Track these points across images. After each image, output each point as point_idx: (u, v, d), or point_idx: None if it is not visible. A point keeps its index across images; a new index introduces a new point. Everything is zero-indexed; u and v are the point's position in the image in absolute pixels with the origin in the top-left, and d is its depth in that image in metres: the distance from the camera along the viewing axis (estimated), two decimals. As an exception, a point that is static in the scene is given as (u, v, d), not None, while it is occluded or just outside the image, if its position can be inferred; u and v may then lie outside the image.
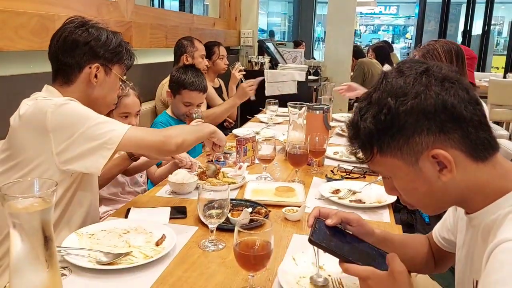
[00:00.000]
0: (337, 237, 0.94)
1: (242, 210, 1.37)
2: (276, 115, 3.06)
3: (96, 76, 1.36)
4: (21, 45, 1.81)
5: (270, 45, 4.40)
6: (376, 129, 0.78)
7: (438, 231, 1.09)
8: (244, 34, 4.53)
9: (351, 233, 0.99)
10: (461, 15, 9.06)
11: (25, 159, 1.23)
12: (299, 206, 1.49)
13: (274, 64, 4.17)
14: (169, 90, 2.38)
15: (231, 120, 3.40)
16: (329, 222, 0.97)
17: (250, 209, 1.34)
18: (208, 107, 3.26)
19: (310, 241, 0.89)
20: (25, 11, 1.83)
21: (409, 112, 0.76)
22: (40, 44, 1.90)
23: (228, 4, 4.41)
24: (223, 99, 3.40)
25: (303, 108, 2.06)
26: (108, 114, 1.71)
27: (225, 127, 3.37)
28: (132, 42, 2.61)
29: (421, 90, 0.76)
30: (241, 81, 3.43)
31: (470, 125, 0.76)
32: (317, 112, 2.04)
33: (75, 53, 1.33)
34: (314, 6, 10.86)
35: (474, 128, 0.76)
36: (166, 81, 2.61)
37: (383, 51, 5.41)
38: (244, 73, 3.40)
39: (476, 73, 7.34)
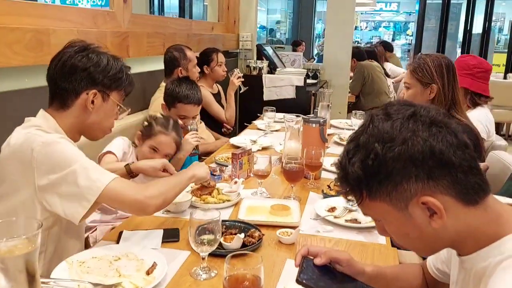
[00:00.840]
0: (326, 276, 0.93)
1: (235, 234, 1.37)
2: (274, 121, 3.05)
3: (92, 102, 1.34)
4: (16, 60, 1.80)
5: (268, 49, 4.38)
6: (364, 175, 0.78)
7: (433, 262, 1.08)
8: (243, 37, 4.51)
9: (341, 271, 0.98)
10: (461, 14, 9.00)
11: (10, 191, 1.23)
12: (294, 227, 1.49)
13: (272, 68, 4.15)
14: (163, 103, 2.38)
15: (229, 127, 3.40)
16: (317, 261, 0.96)
17: (242, 235, 1.34)
18: (205, 111, 3.27)
19: (297, 281, 0.89)
20: (19, 26, 1.82)
21: (396, 159, 0.75)
22: (35, 59, 1.89)
23: (227, 8, 4.39)
24: (222, 105, 3.40)
25: (299, 121, 2.06)
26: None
27: (224, 134, 3.37)
28: (129, 52, 2.60)
29: (408, 136, 0.75)
30: (239, 88, 3.43)
31: (459, 171, 0.75)
32: (313, 125, 2.03)
33: (72, 78, 1.32)
34: (314, 2, 10.81)
35: (464, 173, 0.75)
36: (158, 96, 2.60)
37: (372, 54, 5.35)
38: (243, 79, 3.40)
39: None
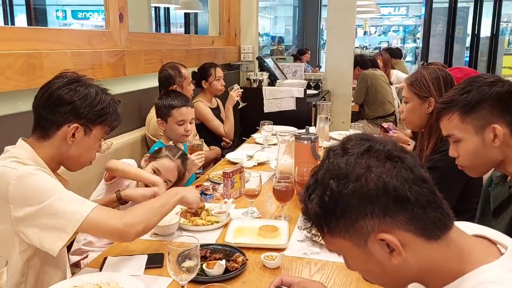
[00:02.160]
0: None
1: (219, 259, 1.37)
2: (273, 135, 3.04)
3: (73, 135, 1.34)
4: (8, 86, 1.83)
5: (269, 61, 4.39)
6: (322, 211, 0.77)
7: None
8: (244, 49, 4.53)
9: None
10: (469, 18, 8.91)
11: None
12: (281, 250, 1.48)
13: (273, 80, 4.16)
14: (158, 119, 2.39)
15: (228, 140, 3.40)
16: None
17: (223, 261, 1.33)
18: (204, 126, 3.28)
19: None
20: (11, 52, 1.84)
21: (351, 195, 0.74)
22: (28, 83, 1.92)
23: (227, 21, 4.42)
24: (221, 119, 3.41)
25: (290, 138, 2.05)
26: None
27: (223, 147, 3.37)
28: (126, 70, 2.63)
29: (361, 173, 0.74)
30: (238, 103, 3.44)
31: (416, 206, 0.74)
32: (305, 142, 2.02)
33: (56, 110, 1.32)
34: (319, 10, 10.81)
35: (422, 209, 0.74)
36: (153, 115, 2.62)
37: (375, 63, 5.32)
38: (241, 94, 3.40)
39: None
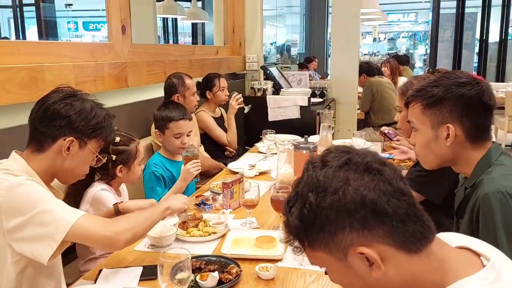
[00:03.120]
0: None
1: (213, 270, 1.36)
2: (280, 144, 3.04)
3: (68, 148, 1.36)
4: (9, 99, 1.85)
5: (273, 69, 4.40)
6: (302, 225, 0.76)
7: None
8: (249, 59, 4.55)
9: None
10: (477, 23, 8.86)
11: None
12: (276, 261, 1.48)
13: (278, 89, 4.16)
14: (156, 130, 2.41)
15: (232, 149, 3.41)
16: None
17: (216, 273, 1.33)
18: (208, 136, 3.30)
19: None
20: (11, 66, 1.87)
21: (329, 209, 0.73)
22: (30, 96, 1.94)
23: (232, 31, 4.45)
24: (225, 128, 3.42)
25: (290, 147, 2.05)
26: None
27: (227, 157, 3.38)
28: (128, 82, 2.65)
29: (339, 186, 0.74)
30: (243, 109, 3.47)
31: (395, 219, 0.73)
32: (304, 151, 2.02)
33: (52, 124, 1.34)
34: (326, 18, 10.83)
35: (401, 222, 0.73)
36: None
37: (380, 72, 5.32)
38: (241, 101, 3.42)
39: (494, 84, 7.19)
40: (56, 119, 1.34)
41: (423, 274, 0.75)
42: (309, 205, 0.75)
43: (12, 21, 8.37)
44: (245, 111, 3.58)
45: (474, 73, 9.10)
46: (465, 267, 0.76)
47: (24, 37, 8.06)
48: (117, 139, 1.84)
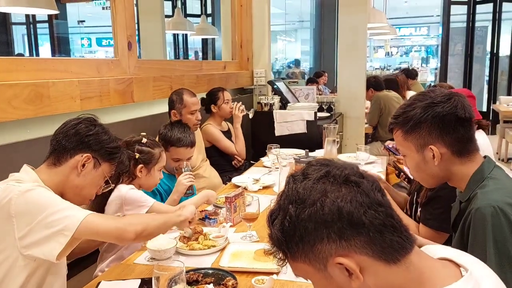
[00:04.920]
0: None
1: (210, 283, 1.37)
2: (282, 158, 3.05)
3: (84, 165, 1.44)
4: (15, 115, 1.90)
5: (280, 84, 4.42)
6: (283, 236, 0.78)
7: None
8: (257, 73, 4.59)
9: None
10: (487, 37, 8.82)
11: None
12: (274, 273, 1.48)
13: (285, 104, 4.19)
14: None
15: (240, 159, 3.42)
16: None
17: (211, 286, 1.33)
18: (215, 148, 3.32)
19: None
20: (17, 82, 1.92)
21: (307, 220, 0.75)
22: (35, 111, 1.99)
23: (240, 46, 4.50)
24: (233, 142, 3.44)
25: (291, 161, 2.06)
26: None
27: (234, 166, 3.40)
28: (133, 97, 2.69)
29: (317, 198, 0.75)
30: (247, 116, 3.52)
31: (371, 230, 0.74)
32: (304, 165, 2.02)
33: (74, 139, 1.44)
34: (335, 32, 10.87)
35: (378, 232, 0.74)
36: None
37: (391, 83, 5.33)
38: (243, 108, 3.46)
39: (505, 98, 7.13)
40: (78, 136, 1.45)
41: (402, 284, 0.76)
42: (289, 217, 0.76)
43: (26, 38, 8.58)
44: (250, 116, 3.62)
45: (486, 87, 9.04)
46: (444, 278, 0.76)
47: (37, 54, 8.24)
48: (144, 140, 1.98)
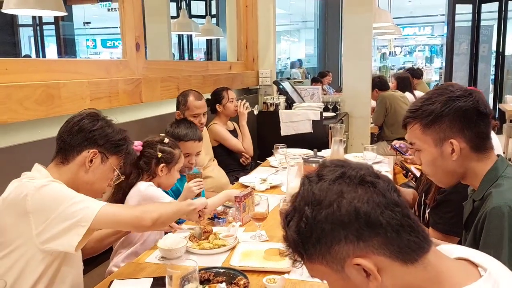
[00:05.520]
0: None
1: (221, 282, 1.38)
2: (290, 158, 3.05)
3: (91, 161, 1.46)
4: (26, 115, 1.92)
5: (286, 84, 4.44)
6: (299, 238, 0.78)
7: None
8: (262, 74, 4.60)
9: None
10: (493, 36, 8.79)
11: (6, 241, 1.31)
12: (285, 273, 1.49)
13: (290, 103, 4.20)
14: None
15: (248, 156, 3.44)
16: None
17: (223, 284, 1.35)
18: (222, 147, 3.33)
19: None
20: (29, 83, 1.94)
21: (324, 221, 0.75)
22: (46, 112, 2.00)
23: (245, 47, 4.51)
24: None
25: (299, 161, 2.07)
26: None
27: (242, 164, 3.41)
28: (142, 97, 2.71)
29: (334, 199, 0.76)
30: (253, 113, 3.53)
31: (389, 230, 0.74)
32: (313, 165, 2.04)
33: (78, 136, 1.46)
34: (340, 32, 10.87)
35: (396, 232, 0.75)
36: None
37: (403, 81, 5.37)
38: (247, 105, 3.48)
39: (509, 97, 7.10)
40: (82, 132, 1.46)
41: (420, 284, 0.76)
42: (306, 218, 0.77)
43: (32, 39, 8.64)
44: (255, 113, 3.65)
45: (491, 86, 9.01)
46: (462, 278, 0.76)
47: (44, 55, 8.29)
48: (166, 140, 2.06)
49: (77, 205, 1.30)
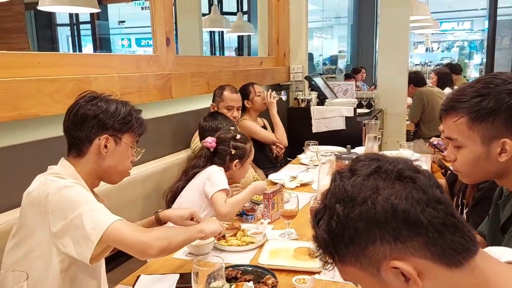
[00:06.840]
0: None
1: (249, 280, 1.34)
2: (322, 155, 2.98)
3: (106, 146, 1.41)
4: (57, 109, 1.92)
5: (318, 80, 4.34)
6: (330, 238, 0.72)
7: None
8: (294, 69, 4.52)
9: None
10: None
11: (28, 236, 1.30)
12: (315, 273, 1.43)
13: (322, 99, 4.10)
14: (202, 141, 2.40)
15: (282, 146, 3.38)
16: None
17: (251, 283, 1.30)
18: (254, 141, 3.27)
19: None
20: (60, 77, 1.95)
21: (358, 220, 0.69)
22: (76, 105, 2.01)
23: (277, 42, 4.45)
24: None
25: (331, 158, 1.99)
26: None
27: (271, 160, 3.36)
28: (172, 93, 2.70)
29: (368, 195, 0.69)
30: (281, 100, 3.50)
31: (430, 230, 0.67)
32: (346, 162, 1.96)
33: (84, 126, 1.40)
34: (374, 27, 10.63)
35: (438, 232, 0.67)
36: (195, 137, 2.65)
37: (444, 77, 5.18)
38: (274, 94, 3.41)
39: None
40: (87, 121, 1.40)
41: None
42: (337, 217, 0.70)
43: (69, 38, 8.86)
44: (284, 99, 3.57)
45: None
46: None
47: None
48: (238, 136, 2.12)
49: (92, 214, 1.25)
